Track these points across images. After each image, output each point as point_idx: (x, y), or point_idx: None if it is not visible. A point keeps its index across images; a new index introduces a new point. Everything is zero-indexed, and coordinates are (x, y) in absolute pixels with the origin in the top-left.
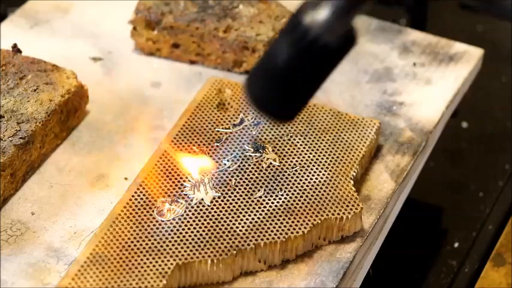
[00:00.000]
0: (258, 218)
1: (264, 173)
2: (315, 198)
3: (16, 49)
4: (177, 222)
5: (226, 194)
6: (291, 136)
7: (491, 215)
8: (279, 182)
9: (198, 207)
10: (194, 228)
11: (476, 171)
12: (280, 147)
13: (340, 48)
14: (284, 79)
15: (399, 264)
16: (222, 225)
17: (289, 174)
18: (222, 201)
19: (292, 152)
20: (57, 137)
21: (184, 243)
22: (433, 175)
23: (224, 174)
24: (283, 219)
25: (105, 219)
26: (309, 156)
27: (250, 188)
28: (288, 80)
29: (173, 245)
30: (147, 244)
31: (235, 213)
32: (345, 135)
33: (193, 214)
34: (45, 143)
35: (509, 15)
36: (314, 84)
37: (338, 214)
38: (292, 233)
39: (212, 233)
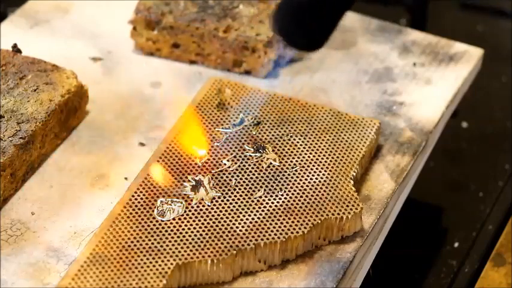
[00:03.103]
0: (258, 218)
1: (264, 173)
2: (315, 198)
3: (16, 49)
4: (177, 222)
5: (226, 194)
6: (291, 136)
7: (491, 215)
8: (279, 182)
9: (198, 207)
10: (194, 228)
11: (476, 171)
12: (280, 147)
13: None
14: (309, 9)
15: (399, 264)
16: (222, 225)
17: (289, 174)
18: (222, 201)
19: (292, 152)
20: (57, 137)
21: (184, 243)
22: (433, 175)
23: (224, 174)
24: (283, 219)
25: (105, 219)
26: (309, 156)
27: (250, 188)
28: (312, 10)
29: (173, 245)
30: (147, 244)
31: (235, 213)
32: (345, 135)
33: (193, 214)
34: (45, 143)
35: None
36: (337, 12)
37: (338, 214)
38: (292, 233)
39: (212, 233)
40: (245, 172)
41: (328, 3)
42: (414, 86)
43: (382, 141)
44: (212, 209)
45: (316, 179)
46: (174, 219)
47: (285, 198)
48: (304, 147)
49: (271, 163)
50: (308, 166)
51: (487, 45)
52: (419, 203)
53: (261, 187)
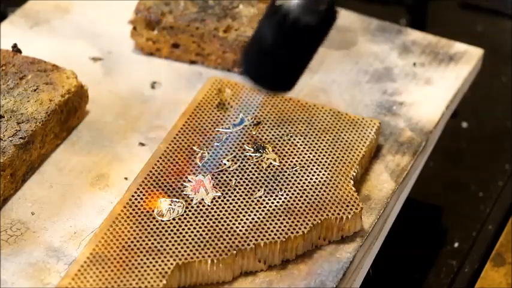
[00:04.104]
0: (258, 218)
1: (264, 173)
2: (315, 198)
3: (16, 49)
4: (177, 222)
5: (226, 194)
6: (291, 136)
7: (491, 215)
8: (279, 182)
9: (198, 207)
10: (194, 228)
11: (476, 171)
12: (280, 147)
13: (322, 24)
14: (275, 57)
15: (399, 264)
16: (222, 225)
17: (289, 174)
18: (222, 201)
19: (292, 152)
20: (57, 137)
21: (184, 243)
22: (433, 175)
23: (224, 174)
24: (283, 219)
25: (105, 219)
26: (309, 156)
27: (250, 188)
28: (278, 57)
29: (173, 245)
30: (147, 244)
31: (235, 213)
32: (345, 135)
33: (193, 214)
34: (45, 143)
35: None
36: (304, 58)
37: (338, 214)
38: (292, 233)
39: (212, 233)
40: (245, 172)
41: (291, 48)
42: (414, 86)
43: (382, 141)
44: (212, 209)
45: (316, 179)
46: (174, 219)
47: (285, 198)
48: (304, 147)
49: (271, 163)
50: (308, 166)
51: (487, 45)
52: (419, 203)
53: (261, 187)
